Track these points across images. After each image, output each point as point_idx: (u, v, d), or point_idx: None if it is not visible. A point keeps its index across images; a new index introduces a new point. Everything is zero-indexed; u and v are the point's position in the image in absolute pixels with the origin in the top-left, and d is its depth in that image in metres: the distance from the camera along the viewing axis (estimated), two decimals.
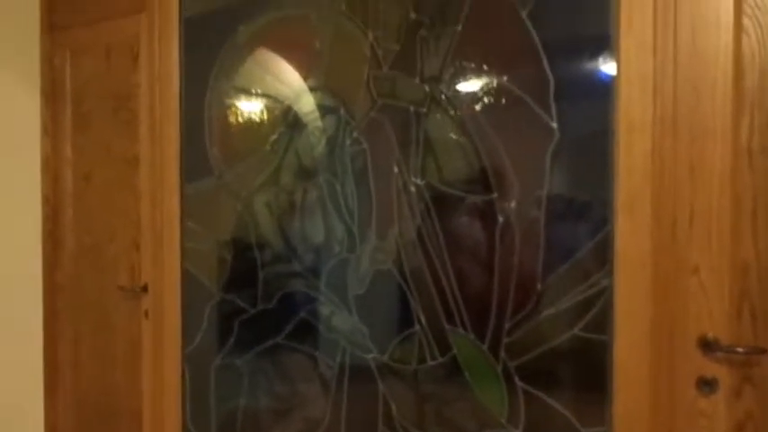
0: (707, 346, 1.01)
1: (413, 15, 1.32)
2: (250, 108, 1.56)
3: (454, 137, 1.27)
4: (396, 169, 1.33)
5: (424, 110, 1.30)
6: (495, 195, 1.21)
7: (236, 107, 1.58)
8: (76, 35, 1.82)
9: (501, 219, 1.20)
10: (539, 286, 1.18)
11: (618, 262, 1.08)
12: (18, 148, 1.82)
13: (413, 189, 1.30)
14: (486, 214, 1.24)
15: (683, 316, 1.03)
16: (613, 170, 1.09)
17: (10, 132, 1.80)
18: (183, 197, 1.64)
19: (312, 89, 1.47)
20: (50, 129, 1.85)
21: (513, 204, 1.20)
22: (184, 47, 1.64)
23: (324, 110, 1.45)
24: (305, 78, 1.47)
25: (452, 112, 1.27)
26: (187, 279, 1.64)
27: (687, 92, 1.02)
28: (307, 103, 1.47)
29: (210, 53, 1.59)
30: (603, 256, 1.11)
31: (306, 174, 1.48)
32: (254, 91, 1.55)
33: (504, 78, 1.21)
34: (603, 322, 1.11)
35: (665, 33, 1.04)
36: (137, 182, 1.71)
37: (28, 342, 1.84)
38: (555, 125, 1.16)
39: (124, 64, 1.72)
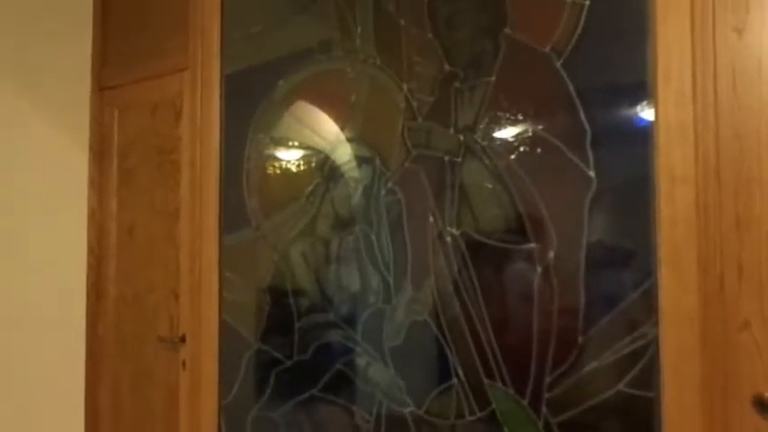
0: (762, 406, 0.96)
1: (447, 67, 1.34)
2: (287, 159, 1.60)
3: (490, 186, 1.27)
4: (431, 219, 1.34)
5: (459, 159, 1.31)
6: (533, 245, 1.20)
7: (274, 159, 1.62)
8: (124, 94, 1.91)
9: (539, 269, 1.19)
10: (580, 339, 1.15)
11: (663, 315, 1.05)
12: (66, 202, 1.89)
13: (448, 239, 1.30)
14: (524, 264, 1.23)
15: (735, 373, 0.98)
16: (655, 220, 1.07)
17: (59, 186, 1.88)
18: (222, 248, 1.67)
19: (348, 140, 1.49)
20: (97, 183, 1.93)
21: (551, 254, 1.18)
22: (225, 102, 1.70)
23: (359, 160, 1.47)
24: (341, 130, 1.51)
25: (487, 162, 1.27)
26: (225, 329, 1.65)
27: (730, 141, 1.01)
28: (342, 154, 1.50)
29: (250, 107, 1.64)
30: (648, 308, 1.08)
31: (341, 224, 1.49)
32: (291, 143, 1.59)
33: (540, 127, 1.21)
34: (650, 378, 1.07)
35: (705, 82, 1.03)
36: (177, 233, 1.75)
37: (70, 390, 1.88)
38: (592, 174, 1.15)
39: (168, 119, 1.78)
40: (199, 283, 1.70)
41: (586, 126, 1.15)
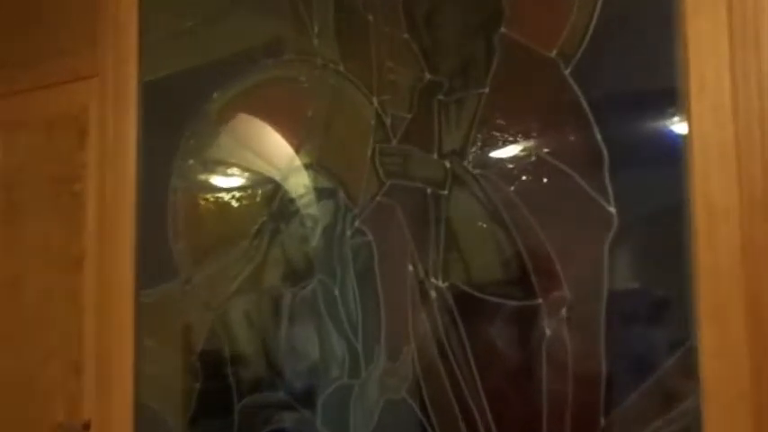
0: None
1: (428, 76, 1.36)
2: (225, 192, 1.60)
3: (484, 225, 1.28)
4: (410, 268, 1.34)
5: (445, 192, 1.32)
6: (539, 301, 1.21)
7: (208, 191, 1.62)
8: (11, 107, 1.88)
9: (548, 330, 1.19)
10: (602, 421, 1.14)
11: (706, 390, 1.05)
12: None
13: (433, 293, 1.31)
14: (529, 325, 1.23)
15: None
16: (692, 267, 1.08)
17: None
18: (139, 307, 1.65)
19: (303, 167, 1.50)
20: None
21: (563, 311, 1.19)
22: (144, 118, 1.69)
23: (318, 193, 1.47)
24: (295, 154, 1.51)
25: (480, 194, 1.28)
26: (142, 413, 1.62)
27: None
28: (296, 186, 1.50)
29: (176, 125, 1.64)
30: (686, 381, 1.09)
31: (295, 274, 1.49)
32: (230, 170, 1.59)
33: (545, 151, 1.23)
34: None
35: (748, 93, 1.05)
36: (80, 287, 1.72)
37: None
38: (612, 209, 1.17)
39: (69, 140, 1.77)
40: (108, 352, 1.67)
41: (603, 148, 1.17)
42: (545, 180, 1.23)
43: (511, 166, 1.26)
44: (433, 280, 1.32)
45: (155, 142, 1.68)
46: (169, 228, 1.65)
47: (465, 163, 1.31)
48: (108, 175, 1.71)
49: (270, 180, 1.54)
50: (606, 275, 1.17)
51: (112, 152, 1.71)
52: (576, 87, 1.21)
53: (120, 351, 1.65)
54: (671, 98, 1.13)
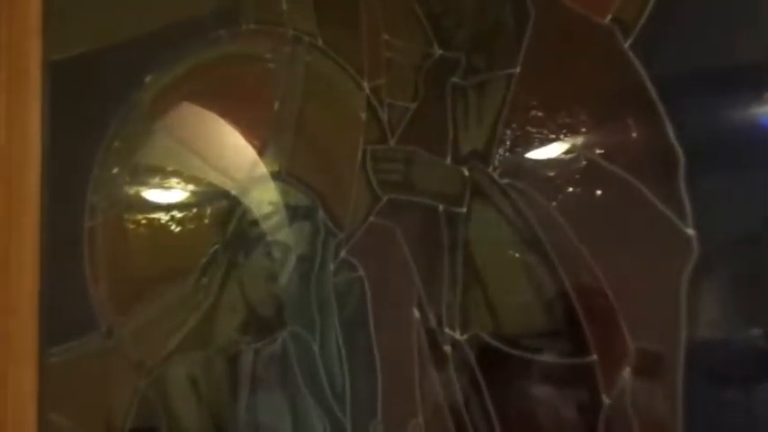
0: None
1: (438, 51, 1.37)
2: (163, 212, 1.60)
3: (517, 255, 1.28)
4: (417, 314, 1.34)
5: (463, 210, 1.32)
6: (593, 357, 1.20)
7: (140, 212, 1.62)
8: None
9: (606, 399, 1.19)
10: None
11: None
12: None
13: (448, 349, 1.31)
14: (580, 391, 1.23)
15: None
16: None
17: None
18: (44, 369, 1.65)
19: (269, 178, 1.50)
20: None
21: (625, 372, 1.19)
22: (50, 112, 1.70)
23: (290, 212, 1.48)
24: (257, 160, 1.51)
25: (511, 213, 1.28)
26: None
27: None
28: (260, 202, 1.50)
29: (95, 121, 1.65)
30: None
31: (259, 324, 1.50)
32: (169, 183, 1.60)
33: (598, 152, 1.23)
34: None
35: None
36: None
37: None
38: (691, 230, 1.17)
39: None
40: (2, 430, 1.65)
41: (677, 148, 1.18)
42: (599, 192, 1.24)
43: (552, 173, 1.27)
44: (448, 330, 1.32)
45: (66, 145, 1.69)
46: (85, 262, 1.65)
47: (490, 170, 1.31)
48: (2, 192, 1.70)
49: (224, 195, 1.54)
50: (684, 320, 1.17)
51: (7, 158, 1.70)
52: (639, 66, 1.21)
53: (17, 428, 1.62)
54: None
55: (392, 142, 1.40)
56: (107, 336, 1.64)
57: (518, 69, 1.31)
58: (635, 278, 1.23)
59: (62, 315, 1.71)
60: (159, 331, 1.59)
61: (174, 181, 1.63)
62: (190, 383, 1.55)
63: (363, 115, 1.43)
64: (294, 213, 1.49)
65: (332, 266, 1.44)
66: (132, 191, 1.67)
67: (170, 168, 1.63)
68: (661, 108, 1.22)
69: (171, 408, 1.57)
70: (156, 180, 1.65)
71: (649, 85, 1.22)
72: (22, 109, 1.75)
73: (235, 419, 1.51)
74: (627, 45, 1.24)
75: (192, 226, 1.59)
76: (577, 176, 1.27)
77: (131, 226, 1.66)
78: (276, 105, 1.51)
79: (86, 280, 1.67)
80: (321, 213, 1.45)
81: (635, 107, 1.24)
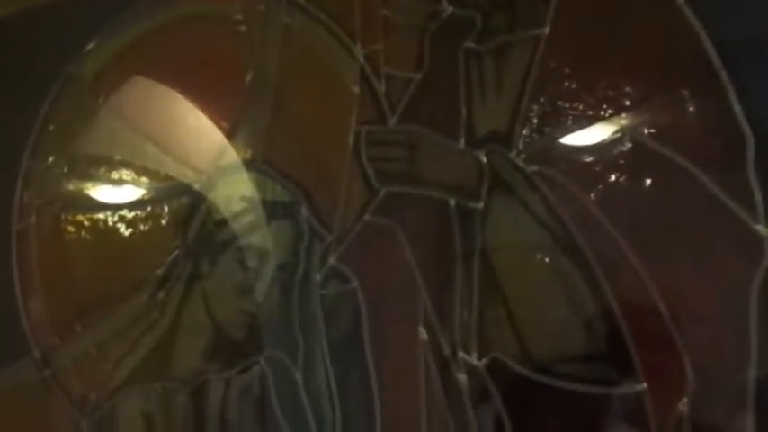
0: None
1: (448, 8, 1.37)
2: (110, 211, 1.61)
3: (546, 261, 1.28)
4: (423, 334, 1.34)
5: (479, 205, 1.33)
6: (642, 386, 1.21)
7: (81, 211, 1.63)
8: None
9: None
10: None
11: None
12: None
13: (462, 377, 1.31)
14: (626, 427, 1.23)
15: None
16: None
17: None
18: None
19: (240, 168, 1.51)
20: None
21: (682, 404, 1.19)
22: None
23: (267, 210, 1.48)
24: (225, 146, 1.52)
25: (539, 209, 1.29)
26: None
27: None
28: (229, 198, 1.51)
29: (27, 99, 1.66)
30: None
31: (229, 348, 1.50)
32: (117, 175, 1.61)
33: (647, 132, 1.23)
34: None
35: None
36: None
37: None
38: (763, 229, 1.17)
39: None
40: None
41: (745, 127, 1.18)
42: (648, 182, 1.24)
43: (590, 158, 1.27)
44: (462, 354, 1.33)
45: None
46: (15, 276, 1.66)
47: (512, 155, 1.31)
48: None
49: (184, 189, 1.56)
50: (755, 338, 1.17)
51: None
52: (697, 26, 1.22)
53: None
54: None
55: (392, 122, 1.41)
56: (42, 364, 1.64)
57: (546, 30, 1.32)
58: (694, 289, 1.24)
59: None
60: (107, 359, 1.59)
61: (123, 173, 1.64)
62: (144, 423, 1.56)
63: (356, 89, 1.44)
64: (272, 211, 1.49)
65: (318, 277, 1.44)
66: (72, 185, 1.68)
67: (118, 157, 1.64)
68: (725, 78, 1.22)
69: None
70: (102, 172, 1.66)
71: (710, 49, 1.23)
72: None
73: None
74: (682, 0, 1.24)
75: (146, 228, 1.60)
76: (621, 162, 1.27)
77: (71, 228, 1.66)
78: (248, 78, 1.52)
79: (16, 295, 1.67)
80: (305, 211, 1.46)
81: (692, 77, 1.25)
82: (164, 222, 1.57)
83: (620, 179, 1.26)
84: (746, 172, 1.18)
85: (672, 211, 1.24)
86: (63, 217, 1.66)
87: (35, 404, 1.66)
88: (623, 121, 1.26)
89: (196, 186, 1.55)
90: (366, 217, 1.41)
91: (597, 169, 1.27)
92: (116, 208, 1.63)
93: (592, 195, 1.26)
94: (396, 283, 1.39)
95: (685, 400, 1.20)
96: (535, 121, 1.30)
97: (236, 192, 1.51)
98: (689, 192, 1.22)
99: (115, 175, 1.64)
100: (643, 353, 1.23)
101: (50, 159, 1.67)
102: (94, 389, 1.60)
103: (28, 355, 1.64)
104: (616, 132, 1.27)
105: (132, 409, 1.57)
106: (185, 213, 1.55)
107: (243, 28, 1.53)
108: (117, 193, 1.63)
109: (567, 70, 1.29)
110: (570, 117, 1.29)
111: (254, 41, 1.53)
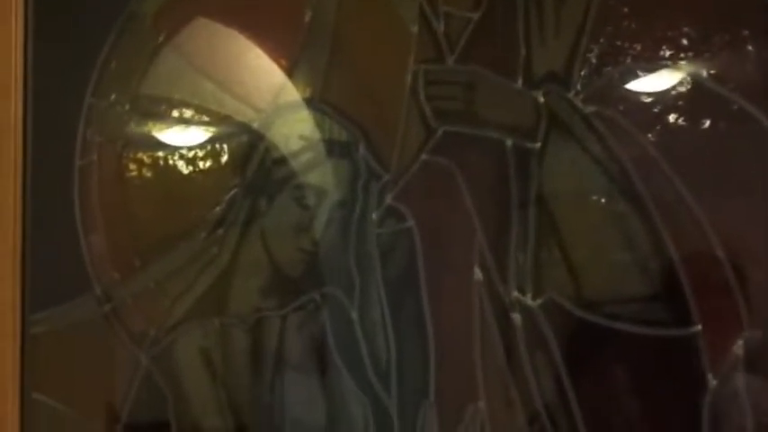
0: None
1: None
2: (170, 150, 1.63)
3: (603, 202, 1.29)
4: (478, 274, 1.36)
5: (537, 145, 1.34)
6: (697, 328, 1.22)
7: (142, 149, 1.65)
8: None
9: (712, 380, 1.20)
10: None
11: None
12: None
13: (517, 317, 1.33)
14: (680, 369, 1.25)
15: None
16: None
17: None
18: (26, 341, 1.68)
19: (298, 106, 1.52)
20: None
21: (737, 347, 1.19)
22: (34, 28, 1.73)
23: (325, 148, 1.50)
24: (284, 84, 1.53)
25: (597, 150, 1.30)
26: None
27: None
28: (287, 136, 1.53)
29: (87, 39, 1.67)
30: None
31: (286, 286, 1.52)
32: (178, 114, 1.63)
33: (708, 74, 1.24)
34: None
35: None
36: None
37: None
38: None
39: None
40: None
41: None
42: (707, 123, 1.24)
43: (649, 99, 1.28)
44: (516, 294, 1.34)
45: (52, 67, 1.72)
46: (76, 211, 1.68)
47: (571, 95, 1.32)
48: None
49: (243, 128, 1.57)
50: None
51: None
52: None
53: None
54: None
55: (450, 61, 1.41)
56: (103, 301, 1.66)
57: None
58: (751, 232, 1.24)
59: (47, 276, 1.72)
60: (166, 295, 1.61)
61: (183, 111, 1.65)
62: (202, 358, 1.58)
63: (414, 28, 1.44)
64: (330, 150, 1.51)
65: (375, 215, 1.46)
66: (133, 124, 1.69)
67: (178, 96, 1.65)
68: None
69: (179, 387, 1.60)
70: (162, 110, 1.67)
71: None
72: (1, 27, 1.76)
73: (256, 402, 1.55)
74: None
75: (205, 166, 1.62)
76: (680, 103, 1.28)
77: (132, 166, 1.68)
78: (307, 16, 1.53)
79: (77, 231, 1.69)
80: (362, 150, 1.47)
81: (752, 17, 1.24)
82: (223, 161, 1.59)
83: (679, 120, 1.26)
84: None
85: (732, 154, 1.24)
86: (124, 154, 1.67)
87: (95, 339, 1.67)
88: (682, 61, 1.26)
89: (255, 125, 1.56)
90: (423, 156, 1.42)
91: (656, 110, 1.27)
92: (176, 146, 1.64)
93: (650, 136, 1.27)
94: (452, 223, 1.40)
95: (740, 342, 1.19)
96: (594, 61, 1.31)
97: (294, 130, 1.53)
98: (750, 134, 1.22)
99: (175, 114, 1.65)
100: (699, 295, 1.24)
101: (112, 97, 1.68)
102: (154, 324, 1.62)
103: (89, 290, 1.66)
104: (675, 73, 1.26)
105: (190, 345, 1.59)
106: (244, 152, 1.57)
107: None
108: (177, 131, 1.65)
109: (625, 9, 1.30)
110: (629, 57, 1.29)
111: None
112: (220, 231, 1.57)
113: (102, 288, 1.66)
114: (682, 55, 1.26)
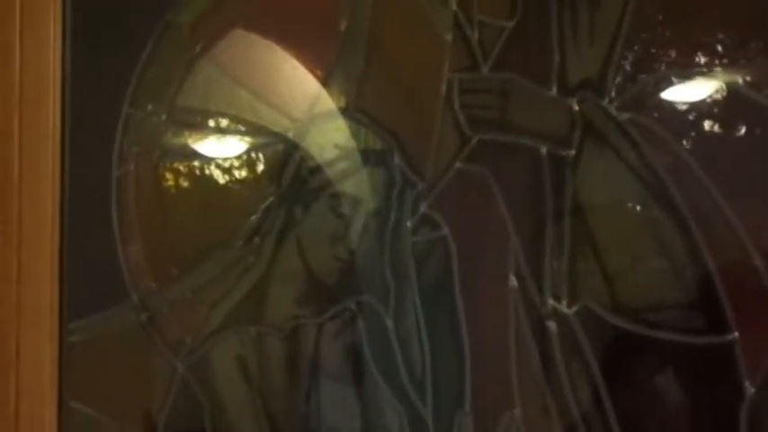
0: None
1: None
2: (207, 160, 1.64)
3: (638, 209, 1.30)
4: (514, 281, 1.37)
5: (572, 152, 1.35)
6: (733, 335, 1.22)
7: (179, 159, 1.66)
8: None
9: (749, 387, 1.20)
10: None
11: None
12: None
13: (552, 324, 1.34)
14: (716, 376, 1.25)
15: None
16: None
17: None
18: (64, 349, 1.70)
19: (333, 116, 1.53)
20: None
21: None
22: (72, 38, 1.74)
23: (360, 157, 1.51)
24: (319, 94, 1.54)
25: (632, 157, 1.31)
26: None
27: None
28: (323, 146, 1.54)
29: (126, 49, 1.69)
30: None
31: (321, 294, 1.53)
32: (214, 124, 1.64)
33: (744, 81, 1.25)
34: None
35: None
36: None
37: None
38: None
39: None
40: (14, 423, 1.71)
41: None
42: (743, 130, 1.25)
43: (683, 106, 1.28)
44: (552, 302, 1.35)
45: (90, 78, 1.73)
46: (114, 220, 1.69)
47: (605, 102, 1.33)
48: (15, 132, 1.75)
49: (279, 137, 1.58)
50: None
51: (22, 95, 1.76)
52: None
53: (32, 417, 1.69)
54: None
55: (485, 70, 1.42)
56: (139, 310, 1.68)
57: None
58: None
59: (85, 284, 1.73)
60: (202, 303, 1.62)
61: (219, 121, 1.66)
62: (238, 366, 1.59)
63: (449, 37, 1.45)
64: (365, 159, 1.52)
65: (410, 223, 1.46)
66: (170, 133, 1.70)
67: (214, 106, 1.66)
68: None
69: (216, 395, 1.61)
70: (198, 120, 1.69)
71: None
72: (38, 34, 1.78)
73: (292, 410, 1.56)
74: None
75: (241, 176, 1.63)
76: (715, 111, 1.28)
77: (169, 176, 1.69)
78: (342, 26, 1.54)
79: (115, 240, 1.70)
80: (397, 159, 1.48)
81: None
82: (259, 170, 1.60)
83: (715, 127, 1.26)
84: None
85: (766, 159, 1.24)
86: (161, 164, 1.69)
87: (132, 348, 1.69)
88: (717, 68, 1.26)
89: (290, 134, 1.57)
90: (458, 165, 1.43)
91: (691, 117, 1.27)
92: (212, 156, 1.65)
93: (685, 143, 1.27)
94: (486, 231, 1.41)
95: None
96: (628, 68, 1.31)
97: (329, 139, 1.54)
98: None
99: (212, 124, 1.66)
100: (735, 302, 1.24)
101: (149, 107, 1.69)
102: (190, 333, 1.63)
103: (126, 299, 1.67)
104: (710, 80, 1.26)
105: (227, 353, 1.60)
106: (280, 161, 1.58)
107: None
108: (213, 141, 1.66)
109: (660, 17, 1.30)
110: (663, 64, 1.30)
111: None
112: (256, 240, 1.58)
113: (139, 297, 1.67)
114: (717, 62, 1.26)
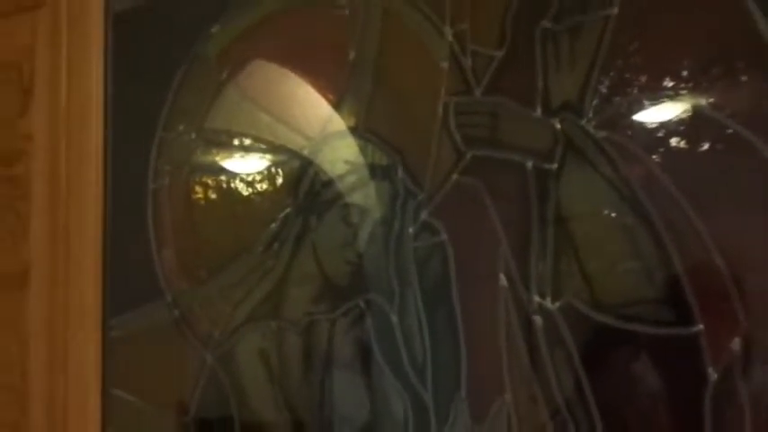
0: None
1: None
2: (231, 174, 1.65)
3: (613, 216, 1.31)
4: (504, 281, 1.37)
5: (554, 166, 1.35)
6: (698, 327, 1.22)
7: (207, 174, 1.67)
8: None
9: (712, 374, 1.21)
10: None
11: None
12: None
13: (538, 319, 1.34)
14: (683, 365, 1.25)
15: None
16: None
17: None
18: (106, 342, 1.71)
19: (343, 135, 1.54)
20: None
21: (735, 344, 1.20)
22: (113, 66, 1.75)
23: (367, 172, 1.52)
24: (331, 115, 1.55)
25: (608, 171, 1.31)
26: None
27: None
28: (334, 161, 1.54)
29: (160, 76, 1.70)
30: None
31: (333, 293, 1.53)
32: (238, 143, 1.65)
33: (707, 102, 1.24)
34: None
35: None
36: (22, 313, 1.77)
37: None
38: None
39: (5, 100, 1.82)
40: (63, 409, 1.72)
41: None
42: (706, 146, 1.25)
43: (654, 125, 1.29)
44: (537, 299, 1.35)
45: (129, 102, 1.75)
46: (149, 229, 1.71)
47: (584, 122, 1.33)
48: (63, 150, 1.77)
49: (295, 155, 1.59)
50: None
51: (69, 117, 1.77)
52: (753, 6, 1.22)
53: (79, 404, 1.71)
54: None
55: (477, 93, 1.43)
56: (172, 307, 1.69)
57: (615, 10, 1.33)
58: (747, 242, 1.24)
59: (125, 284, 1.76)
60: (228, 302, 1.63)
61: (242, 140, 1.67)
62: (260, 358, 1.60)
63: (445, 65, 1.45)
64: (372, 173, 1.52)
65: (412, 230, 1.47)
66: (199, 151, 1.71)
67: (238, 127, 1.67)
68: None
69: (240, 383, 1.62)
70: (224, 140, 1.69)
71: (763, 26, 1.22)
72: (83, 63, 1.80)
73: (309, 396, 1.56)
74: None
75: (262, 189, 1.64)
76: (682, 128, 1.28)
77: (198, 189, 1.70)
78: (351, 56, 1.55)
79: (151, 246, 1.72)
80: (401, 172, 1.48)
81: (748, 50, 1.24)
82: (277, 184, 1.61)
83: (681, 143, 1.27)
84: None
85: (731, 174, 1.25)
86: (191, 179, 1.70)
87: (166, 341, 1.70)
88: (683, 91, 1.27)
89: (305, 152, 1.58)
90: (454, 177, 1.44)
91: (660, 135, 1.28)
92: (236, 172, 1.67)
93: (655, 158, 1.28)
94: (480, 236, 1.41)
95: (737, 339, 1.20)
96: (604, 91, 1.32)
97: (340, 156, 1.55)
98: (745, 157, 1.22)
99: (236, 143, 1.67)
100: (700, 299, 1.24)
101: (180, 128, 1.71)
102: (217, 328, 1.64)
103: (160, 297, 1.69)
104: (677, 102, 1.27)
105: (250, 346, 1.61)
106: (296, 176, 1.59)
107: (346, 12, 1.56)
108: (237, 158, 1.67)
109: (632, 46, 1.31)
110: (636, 88, 1.30)
111: (356, 23, 1.55)
112: (276, 246, 1.59)
113: (173, 296, 1.69)
114: (683, 86, 1.27)
